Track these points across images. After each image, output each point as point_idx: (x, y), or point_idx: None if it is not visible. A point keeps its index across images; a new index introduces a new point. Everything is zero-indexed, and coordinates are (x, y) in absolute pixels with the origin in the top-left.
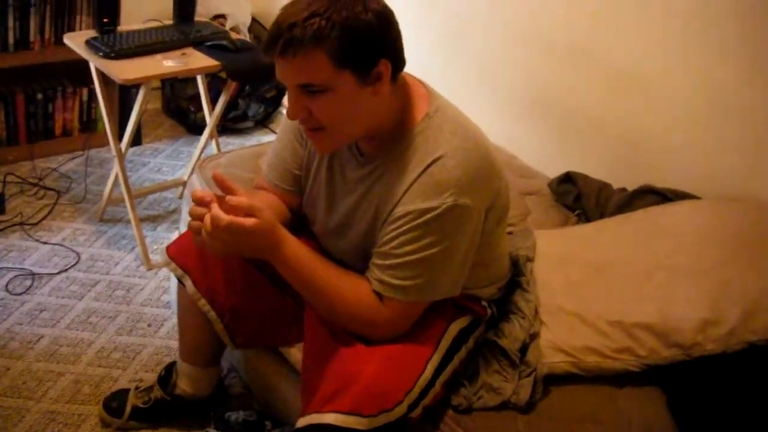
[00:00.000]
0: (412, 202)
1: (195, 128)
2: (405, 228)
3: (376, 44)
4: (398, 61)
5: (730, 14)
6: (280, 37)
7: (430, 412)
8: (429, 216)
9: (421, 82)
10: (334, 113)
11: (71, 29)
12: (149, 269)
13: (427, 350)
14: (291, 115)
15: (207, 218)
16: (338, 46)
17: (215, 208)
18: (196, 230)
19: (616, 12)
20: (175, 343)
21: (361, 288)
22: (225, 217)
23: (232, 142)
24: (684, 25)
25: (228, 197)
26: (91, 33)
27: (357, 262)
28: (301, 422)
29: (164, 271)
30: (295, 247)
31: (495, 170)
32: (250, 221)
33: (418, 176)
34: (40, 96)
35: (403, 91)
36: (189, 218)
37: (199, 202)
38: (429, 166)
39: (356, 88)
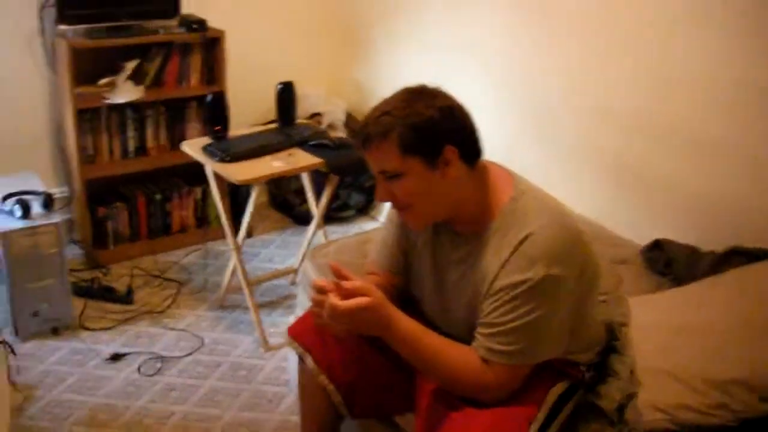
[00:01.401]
0: (508, 277)
1: (300, 219)
2: (505, 299)
3: (439, 134)
4: (468, 148)
5: None
6: (360, 133)
7: None
8: (525, 287)
9: (504, 168)
10: (412, 194)
11: (183, 136)
12: (267, 351)
13: (532, 411)
14: (378, 198)
15: (327, 305)
16: (403, 138)
17: (332, 297)
18: (317, 315)
19: (690, 84)
20: (294, 419)
21: (468, 356)
22: (342, 304)
23: (336, 231)
24: (753, 92)
25: (343, 282)
26: (205, 140)
27: (463, 335)
28: None
29: (282, 352)
30: (406, 322)
31: (581, 242)
32: (363, 300)
33: (512, 253)
34: (158, 197)
35: (485, 176)
36: (310, 304)
37: (319, 290)
38: (521, 243)
39: (426, 172)
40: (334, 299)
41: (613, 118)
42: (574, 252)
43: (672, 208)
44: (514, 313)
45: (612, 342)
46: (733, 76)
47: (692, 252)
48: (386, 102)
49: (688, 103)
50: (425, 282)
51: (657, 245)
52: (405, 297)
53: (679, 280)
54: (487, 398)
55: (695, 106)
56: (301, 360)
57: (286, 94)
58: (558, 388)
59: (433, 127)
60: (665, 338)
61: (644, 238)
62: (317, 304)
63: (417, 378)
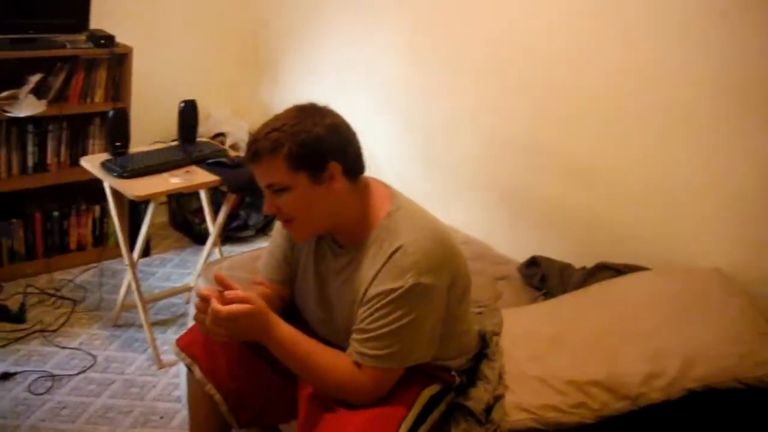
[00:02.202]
0: (381, 285)
1: (200, 239)
2: (377, 306)
3: (324, 151)
4: (351, 164)
5: (664, 113)
6: (250, 148)
7: None
8: (395, 294)
9: (384, 185)
10: (296, 207)
11: (85, 152)
12: (160, 368)
13: (401, 411)
14: (265, 210)
15: (210, 311)
16: (290, 153)
17: (214, 303)
18: (201, 322)
19: (577, 115)
20: None
21: (342, 360)
22: (223, 309)
23: (235, 250)
24: (633, 124)
25: (226, 291)
26: (105, 155)
27: (343, 343)
28: None
29: (174, 369)
30: (285, 329)
31: (453, 254)
32: (244, 307)
33: (384, 263)
34: (56, 214)
35: (365, 191)
36: (195, 311)
37: (203, 298)
38: (393, 253)
39: (311, 186)
40: (216, 304)
41: (498, 143)
42: (444, 263)
43: (552, 228)
44: (386, 319)
45: (484, 350)
46: (616, 110)
47: (565, 267)
48: (276, 118)
49: (575, 136)
50: (309, 292)
51: (533, 262)
52: (291, 307)
53: (552, 294)
54: (360, 400)
55: (580, 137)
56: (189, 370)
57: (188, 112)
58: (429, 390)
59: (319, 143)
60: (535, 346)
61: (525, 256)
62: (201, 310)
63: (299, 384)
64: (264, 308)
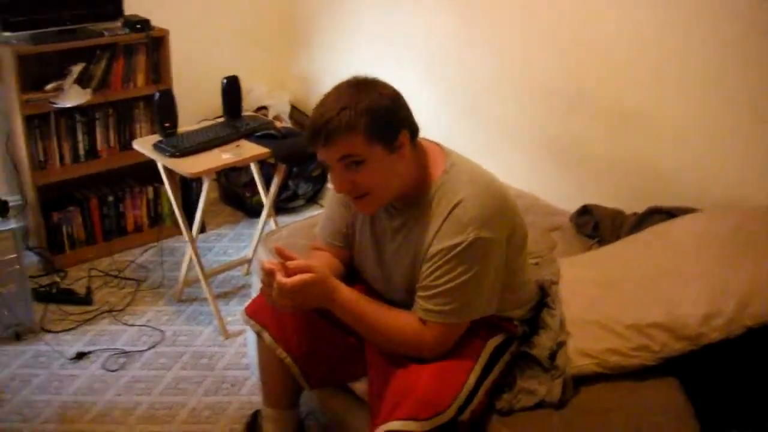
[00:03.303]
0: (441, 242)
1: (252, 212)
2: (439, 263)
3: (395, 120)
4: (413, 129)
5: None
6: (321, 131)
7: (479, 416)
8: (457, 250)
9: (436, 144)
10: (374, 179)
11: (132, 136)
12: (227, 338)
13: (469, 363)
14: (338, 189)
15: (275, 284)
16: (366, 128)
17: (279, 276)
18: (268, 295)
19: (620, 63)
20: (256, 399)
21: (407, 318)
22: (287, 281)
23: (287, 220)
24: (674, 67)
25: (288, 262)
26: (155, 137)
27: (406, 300)
28: None
29: (241, 338)
30: (347, 293)
31: (509, 207)
32: (307, 276)
33: (444, 219)
34: (111, 198)
35: (421, 153)
36: (261, 285)
37: (267, 272)
38: (452, 210)
39: (386, 157)
40: (281, 278)
41: (542, 97)
42: (502, 216)
43: (600, 176)
44: (449, 275)
45: (543, 299)
46: (655, 53)
47: (617, 214)
48: (337, 97)
49: (613, 82)
50: (367, 253)
51: (585, 210)
52: (352, 269)
53: (605, 241)
54: (427, 355)
55: (619, 84)
56: (259, 336)
57: (231, 88)
58: (495, 341)
59: (389, 114)
60: (592, 292)
61: (575, 206)
62: (266, 284)
63: (365, 344)
64: (325, 274)
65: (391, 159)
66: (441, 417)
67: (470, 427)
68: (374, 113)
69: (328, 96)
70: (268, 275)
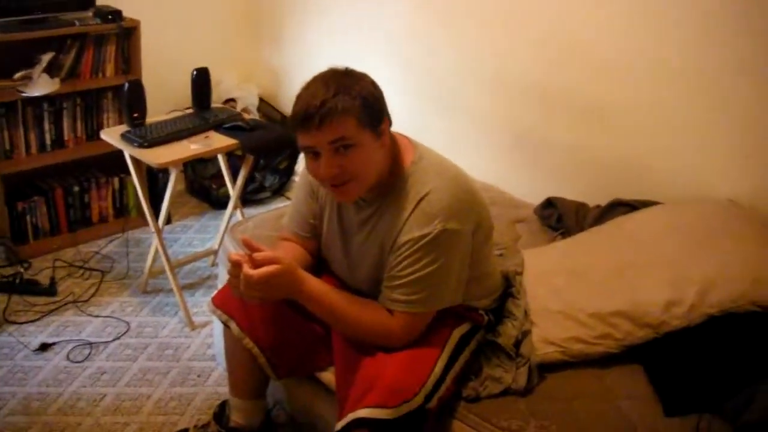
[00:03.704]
0: (409, 232)
1: (218, 204)
2: (406, 253)
3: (381, 108)
4: (390, 119)
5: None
6: (316, 113)
7: (446, 403)
8: (424, 241)
9: (404, 136)
10: (362, 163)
11: (100, 126)
12: (192, 329)
13: (435, 351)
14: (325, 173)
15: (242, 276)
16: (359, 113)
17: (246, 268)
18: (235, 287)
19: (583, 56)
20: (223, 390)
21: (374, 308)
22: (254, 273)
23: (253, 212)
24: (639, 62)
25: (254, 254)
26: (123, 127)
27: (371, 290)
28: (340, 424)
29: (206, 329)
30: (314, 283)
31: (475, 199)
32: (274, 268)
33: (412, 211)
34: (76, 188)
35: (393, 144)
36: (228, 277)
37: (234, 264)
38: (420, 201)
39: (374, 142)
40: (247, 270)
41: (508, 89)
42: (468, 209)
43: (564, 169)
44: (416, 265)
45: (508, 289)
46: (620, 46)
47: (580, 206)
48: (325, 83)
49: (577, 77)
50: (334, 244)
51: (549, 203)
52: (319, 260)
53: (569, 233)
54: (395, 344)
55: (583, 78)
56: (226, 327)
57: (201, 79)
58: (461, 330)
59: (377, 101)
60: (556, 282)
61: (539, 199)
62: (233, 275)
63: (333, 333)
64: (292, 266)
65: (375, 146)
66: (409, 404)
67: (438, 414)
68: (365, 99)
69: (313, 83)
70: (235, 267)
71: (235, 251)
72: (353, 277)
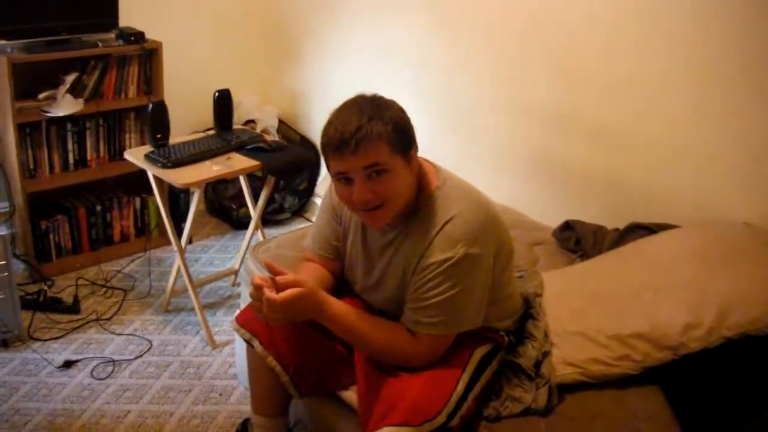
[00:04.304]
0: (432, 255)
1: (238, 224)
2: (429, 276)
3: (411, 134)
4: (417, 144)
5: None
6: (351, 138)
7: (467, 423)
8: (447, 264)
9: (427, 160)
10: (394, 188)
11: (122, 146)
12: (214, 348)
13: (457, 371)
14: (358, 197)
15: (264, 300)
16: (392, 138)
17: (268, 292)
18: (258, 309)
19: (602, 81)
20: (245, 408)
21: (396, 330)
22: (277, 297)
23: (273, 233)
24: (656, 88)
25: (277, 277)
26: (146, 148)
27: (394, 312)
28: None
29: (228, 348)
30: (337, 306)
31: (498, 224)
32: (296, 291)
33: (436, 234)
34: (98, 208)
35: (419, 169)
36: (251, 299)
37: (256, 287)
38: (444, 225)
39: (405, 168)
40: (270, 293)
41: (527, 115)
42: (490, 233)
43: (582, 193)
44: (438, 288)
45: (528, 311)
46: (638, 71)
47: (598, 229)
48: (358, 110)
49: (595, 103)
50: (357, 266)
51: (568, 226)
52: (341, 280)
53: (587, 255)
54: (417, 365)
55: (600, 104)
56: (249, 345)
57: (222, 101)
58: (482, 350)
59: (408, 128)
60: (575, 304)
61: (558, 221)
62: (256, 299)
63: (355, 353)
64: (314, 289)
65: (406, 171)
66: (431, 423)
67: None
68: (396, 124)
69: (344, 109)
70: (258, 290)
71: (259, 273)
72: (376, 298)
